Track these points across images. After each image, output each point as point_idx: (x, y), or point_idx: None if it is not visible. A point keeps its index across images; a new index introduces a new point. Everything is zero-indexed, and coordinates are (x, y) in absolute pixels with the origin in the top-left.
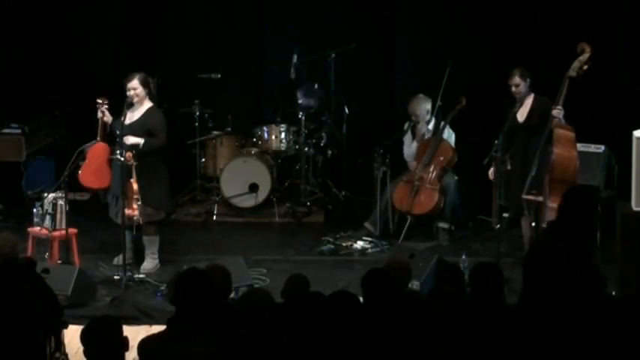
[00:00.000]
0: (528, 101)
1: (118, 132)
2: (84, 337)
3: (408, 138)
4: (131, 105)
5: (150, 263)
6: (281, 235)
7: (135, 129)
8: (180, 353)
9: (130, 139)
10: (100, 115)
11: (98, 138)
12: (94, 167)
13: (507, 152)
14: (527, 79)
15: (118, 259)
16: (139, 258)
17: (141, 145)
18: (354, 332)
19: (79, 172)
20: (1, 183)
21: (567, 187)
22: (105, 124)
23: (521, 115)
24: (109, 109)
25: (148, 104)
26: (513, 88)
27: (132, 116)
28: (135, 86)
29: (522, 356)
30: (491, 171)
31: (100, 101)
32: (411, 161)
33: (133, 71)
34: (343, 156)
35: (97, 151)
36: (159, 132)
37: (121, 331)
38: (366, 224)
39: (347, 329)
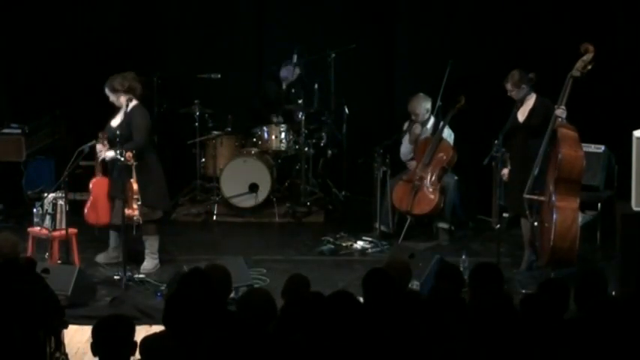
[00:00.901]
0: (530, 101)
1: (93, 142)
2: (96, 331)
3: (406, 138)
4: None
5: (150, 263)
6: (281, 235)
7: (118, 131)
8: (181, 352)
9: (108, 155)
10: (99, 148)
11: (99, 174)
12: (99, 204)
13: (510, 152)
14: (523, 85)
15: (101, 257)
16: (133, 258)
17: (117, 156)
18: (353, 332)
19: (85, 210)
20: (1, 183)
21: (574, 186)
22: (104, 159)
23: (522, 114)
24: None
25: (133, 104)
26: (508, 93)
27: (117, 118)
28: (107, 94)
29: (523, 356)
30: (504, 171)
31: (100, 135)
32: (409, 161)
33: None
34: (343, 156)
35: (100, 187)
36: (136, 132)
37: (133, 334)
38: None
39: (346, 329)
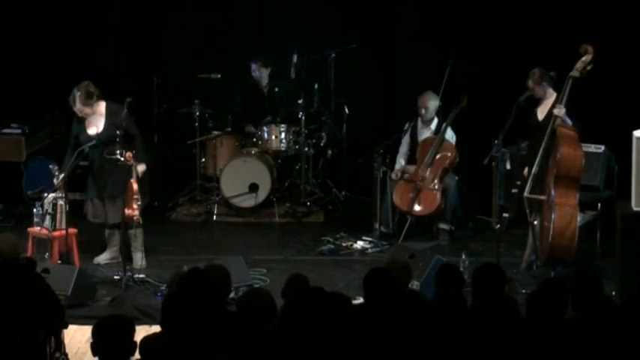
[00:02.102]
0: (550, 99)
1: (86, 143)
2: (96, 331)
3: (406, 138)
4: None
5: (142, 258)
6: (281, 235)
7: (108, 134)
8: (181, 353)
9: (140, 169)
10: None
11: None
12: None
13: (529, 150)
14: (544, 83)
15: (101, 258)
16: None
17: (145, 165)
18: (348, 332)
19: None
20: (1, 183)
21: (573, 184)
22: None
23: (542, 112)
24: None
25: (102, 105)
26: (529, 91)
27: (94, 125)
28: (80, 109)
29: (525, 356)
30: (526, 170)
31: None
32: (405, 163)
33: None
34: (343, 156)
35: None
36: (129, 126)
37: (133, 334)
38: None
39: (340, 330)
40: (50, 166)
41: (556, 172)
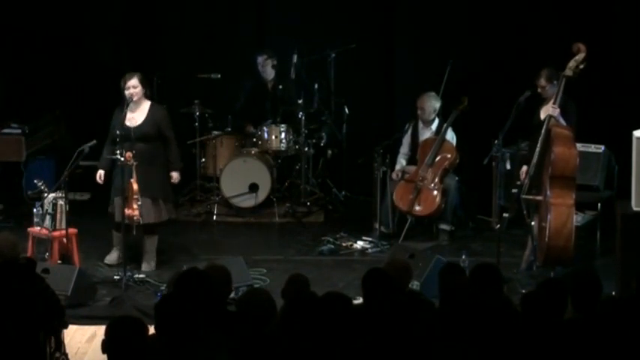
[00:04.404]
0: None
1: (119, 132)
2: (112, 329)
3: (407, 138)
4: (129, 104)
5: (151, 265)
6: (281, 235)
7: (145, 130)
8: (180, 353)
9: (174, 176)
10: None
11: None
12: None
13: (531, 149)
14: (555, 81)
15: (111, 258)
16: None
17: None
18: (346, 332)
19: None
20: (1, 183)
21: (568, 183)
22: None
23: (545, 112)
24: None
25: (147, 103)
26: (539, 89)
27: (133, 117)
28: (135, 84)
29: (523, 357)
30: (523, 169)
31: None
32: (406, 164)
33: (133, 71)
34: (343, 156)
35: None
36: (168, 129)
37: (146, 338)
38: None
39: (337, 330)
40: (35, 181)
41: (551, 172)
